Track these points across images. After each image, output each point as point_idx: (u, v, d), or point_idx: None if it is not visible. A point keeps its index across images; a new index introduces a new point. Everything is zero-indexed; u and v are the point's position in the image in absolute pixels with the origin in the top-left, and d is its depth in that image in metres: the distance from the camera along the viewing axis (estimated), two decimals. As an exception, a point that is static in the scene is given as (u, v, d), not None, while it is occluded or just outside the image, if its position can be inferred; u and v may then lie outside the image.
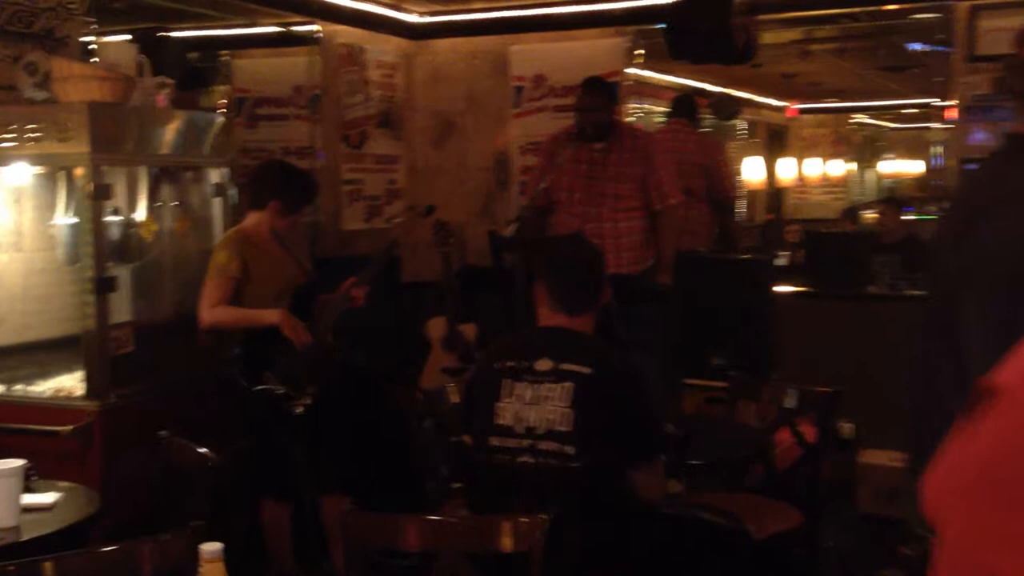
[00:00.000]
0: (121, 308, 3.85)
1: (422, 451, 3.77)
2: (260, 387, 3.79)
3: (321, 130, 5.78)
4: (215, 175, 4.08)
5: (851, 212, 10.14)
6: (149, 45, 6.22)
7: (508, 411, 2.84)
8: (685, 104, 6.38)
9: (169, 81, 3.97)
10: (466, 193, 6.37)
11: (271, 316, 3.85)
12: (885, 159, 16.27)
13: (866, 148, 15.46)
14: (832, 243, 6.52)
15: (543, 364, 2.85)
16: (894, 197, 8.34)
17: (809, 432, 3.73)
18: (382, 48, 6.17)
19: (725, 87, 10.07)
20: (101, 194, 3.49)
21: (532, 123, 6.16)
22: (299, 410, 3.84)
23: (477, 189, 6.35)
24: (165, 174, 3.96)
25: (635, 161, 5.02)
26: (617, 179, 5.02)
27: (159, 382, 3.79)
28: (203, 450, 2.92)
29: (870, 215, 11.71)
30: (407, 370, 5.65)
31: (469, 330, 5.99)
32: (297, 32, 5.83)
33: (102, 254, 3.52)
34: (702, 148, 6.03)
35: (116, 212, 3.78)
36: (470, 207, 6.35)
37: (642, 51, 6.17)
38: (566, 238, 3.01)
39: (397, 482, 4.13)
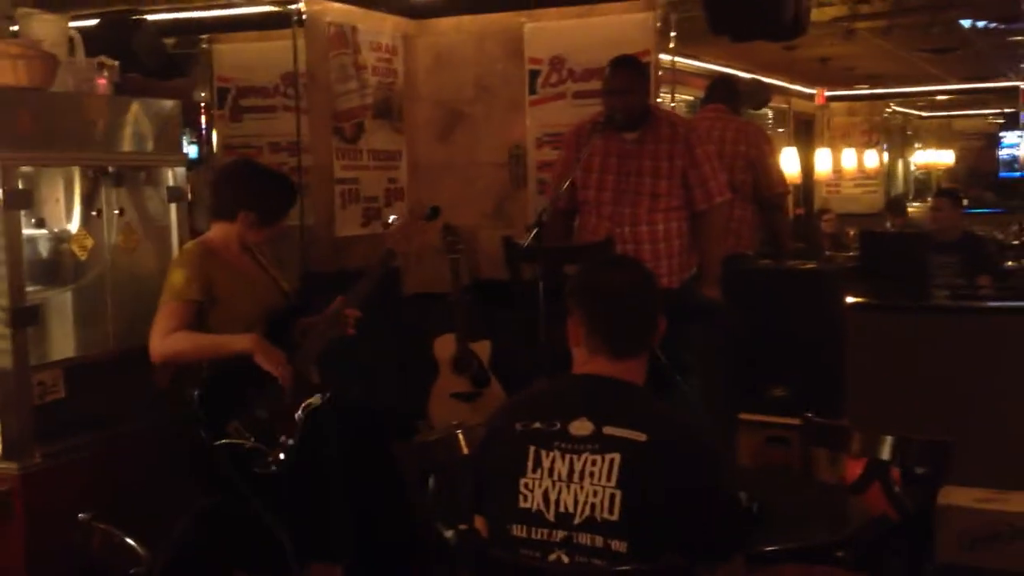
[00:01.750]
0: (50, 344, 3.13)
1: (424, 518, 3.05)
2: (224, 441, 3.07)
3: (309, 122, 5.03)
4: (171, 176, 3.33)
5: (897, 205, 9.37)
6: (122, 30, 5.58)
7: (536, 490, 2.11)
8: (724, 87, 5.64)
9: (110, 62, 3.23)
10: (477, 193, 5.62)
11: (241, 342, 3.14)
12: (916, 149, 15.50)
13: (897, 137, 14.69)
14: (890, 244, 5.75)
15: (581, 427, 2.11)
16: (951, 190, 7.57)
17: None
18: (377, 28, 5.42)
19: (753, 73, 9.34)
20: (16, 202, 2.76)
21: (550, 112, 5.42)
22: (271, 468, 3.11)
23: (489, 188, 5.60)
24: (105, 176, 3.22)
25: (674, 152, 4.30)
26: (654, 174, 4.30)
27: (101, 436, 3.05)
28: (131, 542, 2.18)
29: (911, 209, 10.97)
30: (410, 407, 4.92)
31: (482, 349, 5.28)
32: (280, 12, 5.09)
33: (19, 277, 2.79)
34: (746, 138, 5.27)
35: (41, 224, 3.05)
36: (482, 208, 5.61)
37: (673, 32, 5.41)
38: (609, 258, 2.28)
39: (395, 550, 3.41)
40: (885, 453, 2.93)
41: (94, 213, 3.19)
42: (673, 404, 4.21)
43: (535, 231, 3.87)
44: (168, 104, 3.29)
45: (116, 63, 3.27)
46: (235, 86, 5.76)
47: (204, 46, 5.97)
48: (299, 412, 3.23)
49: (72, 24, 5.81)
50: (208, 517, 3.20)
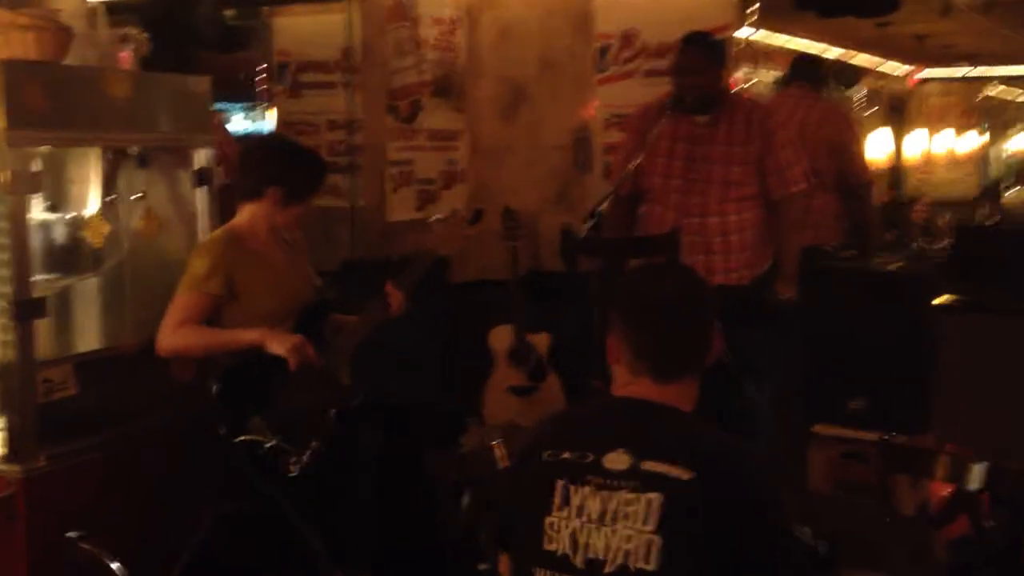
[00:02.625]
0: (68, 337, 2.95)
1: (460, 536, 2.81)
2: (244, 437, 2.86)
3: (362, 100, 4.79)
4: (198, 158, 3.11)
5: (990, 193, 8.76)
6: (181, 1, 5.41)
7: (562, 531, 1.83)
8: (808, 66, 5.23)
9: (137, 34, 3.01)
10: (539, 176, 5.33)
11: (251, 334, 2.93)
12: (1014, 133, 14.69)
13: (995, 120, 13.93)
14: (988, 239, 5.29)
15: (617, 460, 1.83)
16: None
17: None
18: (438, 1, 5.14)
19: (846, 49, 8.83)
20: (22, 185, 2.57)
21: (620, 91, 5.07)
22: (292, 470, 2.90)
23: (553, 171, 5.30)
24: (127, 158, 3.01)
25: (749, 137, 3.95)
26: (726, 160, 3.95)
27: (114, 436, 2.86)
28: (115, 567, 1.97)
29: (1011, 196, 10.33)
30: (460, 402, 4.67)
31: (541, 341, 5.02)
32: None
33: (24, 267, 2.60)
34: (830, 121, 4.87)
35: (55, 208, 2.85)
36: (544, 193, 5.31)
37: (756, 5, 5.04)
38: (656, 265, 1.99)
39: (426, 559, 3.17)
40: (975, 481, 2.58)
41: (111, 197, 2.98)
42: (740, 412, 3.93)
43: (593, 221, 3.58)
44: (197, 80, 3.05)
45: (145, 35, 3.05)
46: (295, 61, 5.54)
47: (265, 19, 5.78)
48: (329, 414, 3.01)
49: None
50: (231, 519, 3.00)
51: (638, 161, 3.93)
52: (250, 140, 3.56)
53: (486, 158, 5.41)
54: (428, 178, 5.12)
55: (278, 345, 2.88)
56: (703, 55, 3.98)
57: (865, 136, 9.25)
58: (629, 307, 1.95)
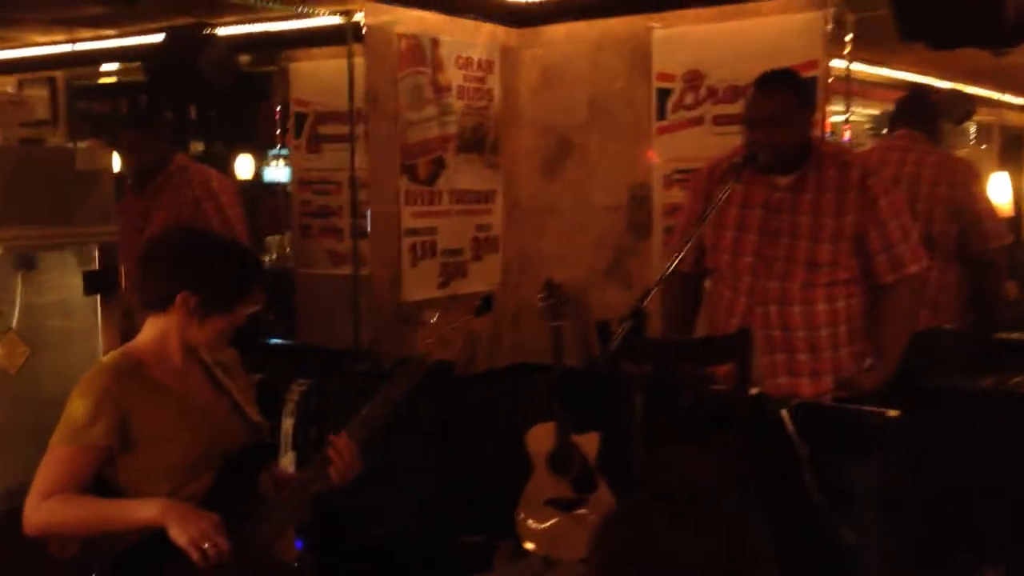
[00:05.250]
0: None
1: None
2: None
3: (370, 158, 4.07)
4: (88, 258, 2.34)
5: None
6: (191, 45, 4.80)
7: None
8: (919, 106, 4.28)
9: (12, 96, 2.28)
10: (588, 243, 4.56)
11: (146, 510, 2.13)
12: None
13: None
14: None
15: None
16: None
17: None
18: (468, 40, 4.39)
19: (955, 82, 7.83)
20: None
21: (684, 141, 4.27)
22: None
23: (604, 237, 4.51)
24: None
25: (845, 205, 3.10)
26: (814, 235, 3.12)
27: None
28: None
29: None
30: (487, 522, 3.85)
31: (589, 443, 4.16)
32: (340, 24, 4.14)
33: None
34: (950, 175, 3.92)
35: None
36: (594, 263, 4.53)
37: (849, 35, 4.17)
38: (671, 503, 1.12)
39: None
40: None
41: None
42: (831, 555, 3.04)
43: (630, 323, 2.72)
44: (92, 154, 2.30)
45: (25, 96, 2.31)
46: (314, 111, 4.89)
47: (283, 64, 5.17)
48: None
49: (138, 40, 5.20)
50: None
51: (698, 233, 3.10)
52: (160, 233, 2.82)
53: (525, 222, 4.65)
54: (454, 248, 4.34)
55: (179, 531, 2.08)
56: (782, 101, 3.15)
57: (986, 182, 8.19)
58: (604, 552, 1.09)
